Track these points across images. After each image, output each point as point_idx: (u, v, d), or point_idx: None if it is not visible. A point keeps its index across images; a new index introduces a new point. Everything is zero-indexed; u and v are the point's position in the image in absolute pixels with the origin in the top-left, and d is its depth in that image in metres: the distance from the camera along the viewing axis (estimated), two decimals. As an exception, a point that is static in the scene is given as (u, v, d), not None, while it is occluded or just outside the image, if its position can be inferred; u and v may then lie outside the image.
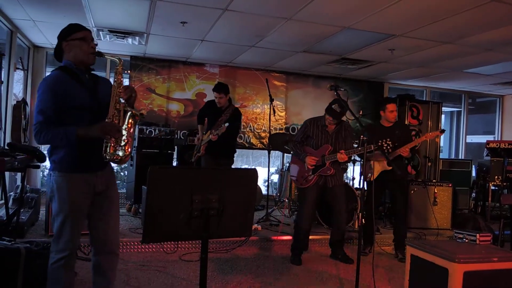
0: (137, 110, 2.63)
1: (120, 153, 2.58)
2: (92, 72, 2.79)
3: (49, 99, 2.51)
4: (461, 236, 3.40)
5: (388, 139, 4.50)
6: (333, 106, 4.53)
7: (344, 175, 6.75)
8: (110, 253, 2.79)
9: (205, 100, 7.52)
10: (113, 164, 2.81)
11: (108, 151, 2.58)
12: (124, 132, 2.59)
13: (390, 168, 4.84)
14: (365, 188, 4.91)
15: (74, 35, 2.65)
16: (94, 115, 2.61)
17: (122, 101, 2.66)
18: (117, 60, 2.72)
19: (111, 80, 2.77)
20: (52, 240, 2.64)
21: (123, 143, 2.58)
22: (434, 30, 5.16)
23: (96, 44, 2.75)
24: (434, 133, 5.20)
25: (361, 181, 5.62)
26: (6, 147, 4.41)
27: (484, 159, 7.41)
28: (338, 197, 4.73)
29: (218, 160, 5.69)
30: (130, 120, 2.61)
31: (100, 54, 2.70)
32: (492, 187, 7.03)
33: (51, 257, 2.62)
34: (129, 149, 2.62)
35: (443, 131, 5.13)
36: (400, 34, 5.41)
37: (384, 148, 4.41)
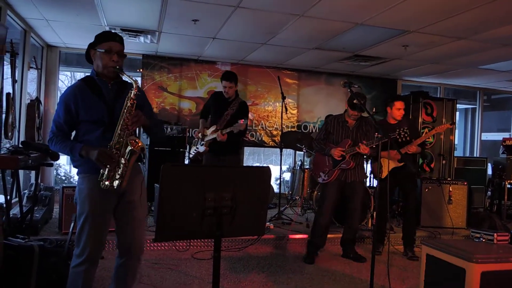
0: (140, 142, 2.55)
1: (115, 184, 2.53)
2: (122, 78, 2.74)
3: (62, 111, 2.61)
4: (478, 235, 3.34)
5: (406, 127, 4.44)
6: (354, 101, 4.51)
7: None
8: (133, 258, 2.80)
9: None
10: None
11: (104, 178, 2.54)
12: (121, 164, 2.53)
13: (402, 164, 4.81)
14: (377, 186, 4.92)
15: (100, 45, 2.62)
16: (107, 128, 2.61)
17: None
18: (133, 82, 2.62)
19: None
20: (75, 243, 2.66)
21: (117, 176, 2.53)
22: (448, 26, 5.08)
23: (125, 56, 2.69)
24: (444, 126, 5.15)
25: (372, 179, 5.64)
26: (20, 146, 4.44)
27: (500, 157, 7.29)
28: (355, 193, 4.71)
29: (220, 157, 5.17)
30: (128, 154, 2.54)
31: (120, 71, 2.63)
32: (508, 186, 6.93)
33: (72, 260, 2.65)
34: (125, 181, 2.54)
35: (453, 123, 5.05)
36: (414, 30, 5.34)
37: (402, 136, 4.38)
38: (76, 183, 2.71)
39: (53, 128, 2.64)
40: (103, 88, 2.66)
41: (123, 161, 2.53)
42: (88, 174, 2.62)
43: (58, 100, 2.66)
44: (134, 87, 2.61)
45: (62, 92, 2.67)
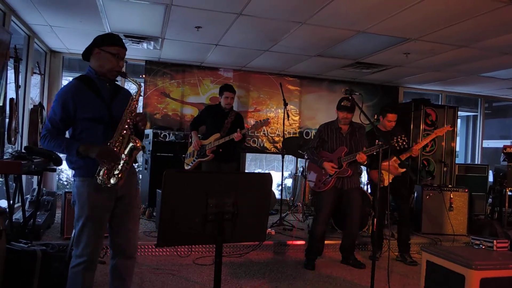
0: (139, 142, 2.63)
1: (112, 181, 2.56)
2: (116, 81, 2.83)
3: (59, 110, 2.60)
4: (478, 242, 3.35)
5: (403, 135, 4.50)
6: (342, 103, 4.61)
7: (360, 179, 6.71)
8: (128, 257, 2.83)
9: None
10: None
11: (101, 174, 2.57)
12: (121, 161, 2.58)
13: (403, 170, 4.83)
14: (376, 193, 4.91)
15: (109, 48, 2.65)
16: (107, 126, 2.64)
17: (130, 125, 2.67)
18: (137, 85, 2.73)
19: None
20: (73, 244, 2.68)
21: (116, 172, 2.56)
22: (449, 34, 5.10)
23: (126, 62, 2.77)
24: (444, 129, 5.15)
25: (371, 187, 5.66)
26: (23, 151, 4.47)
27: (501, 164, 7.30)
28: (354, 200, 4.71)
29: (221, 164, 5.43)
30: (130, 151, 2.60)
31: (124, 75, 2.73)
32: (509, 193, 6.92)
33: (72, 261, 2.67)
34: (122, 179, 2.59)
35: (453, 125, 5.06)
36: (415, 38, 5.36)
37: (401, 143, 4.41)
38: (73, 185, 2.71)
39: (47, 125, 2.63)
40: (101, 87, 2.70)
41: (124, 157, 2.58)
42: (87, 177, 2.62)
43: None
44: (138, 90, 2.72)
45: (57, 92, 2.70)
